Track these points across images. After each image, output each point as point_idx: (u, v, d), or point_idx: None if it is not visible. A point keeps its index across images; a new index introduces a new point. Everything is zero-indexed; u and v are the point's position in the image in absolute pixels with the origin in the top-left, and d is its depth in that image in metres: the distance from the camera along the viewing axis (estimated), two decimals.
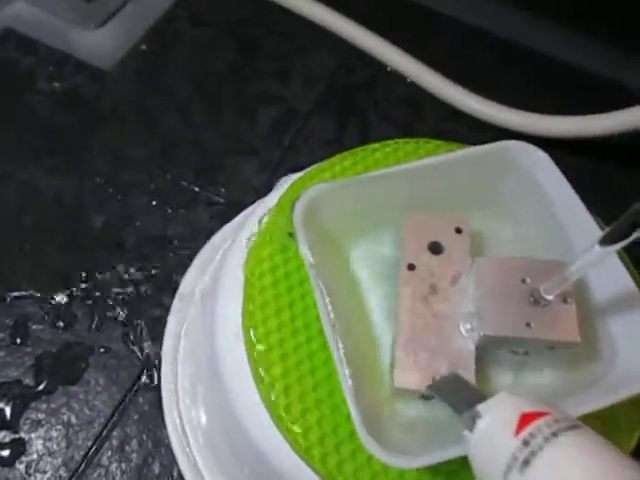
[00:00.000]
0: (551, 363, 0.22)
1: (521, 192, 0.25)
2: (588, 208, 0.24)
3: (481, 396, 0.17)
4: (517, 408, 0.15)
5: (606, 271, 0.23)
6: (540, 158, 0.25)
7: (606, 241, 0.18)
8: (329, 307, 0.21)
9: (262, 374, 0.23)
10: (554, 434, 0.14)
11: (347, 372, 0.20)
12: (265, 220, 0.26)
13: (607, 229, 0.18)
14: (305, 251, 0.22)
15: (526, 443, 0.14)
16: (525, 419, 0.15)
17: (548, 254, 0.23)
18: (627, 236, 0.17)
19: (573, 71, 0.50)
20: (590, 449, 0.14)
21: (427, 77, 0.48)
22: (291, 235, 0.24)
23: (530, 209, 0.25)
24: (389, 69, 0.50)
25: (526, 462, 0.14)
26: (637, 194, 0.43)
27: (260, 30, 0.51)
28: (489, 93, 0.46)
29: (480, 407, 0.16)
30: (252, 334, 0.23)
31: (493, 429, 0.16)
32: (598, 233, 0.23)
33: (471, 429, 0.16)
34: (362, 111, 0.47)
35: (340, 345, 0.20)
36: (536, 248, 0.24)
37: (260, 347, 0.23)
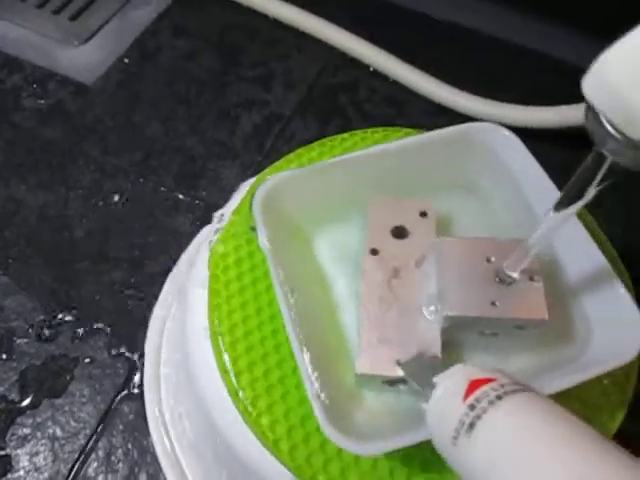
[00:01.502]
0: (523, 345, 0.21)
1: (489, 172, 0.24)
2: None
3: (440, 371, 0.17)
4: (467, 376, 0.15)
5: (579, 252, 0.22)
6: (506, 137, 0.24)
7: (560, 206, 0.17)
8: (288, 295, 0.20)
9: (228, 367, 0.22)
10: (499, 397, 0.14)
11: (306, 359, 0.19)
12: (230, 214, 0.25)
13: (560, 194, 0.17)
14: (263, 239, 0.22)
15: (472, 407, 0.14)
16: (473, 385, 0.15)
17: (517, 233, 0.22)
18: (579, 198, 0.16)
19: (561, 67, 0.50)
20: (534, 410, 0.14)
21: (409, 75, 0.47)
22: (253, 229, 0.23)
23: (498, 189, 0.24)
24: (372, 69, 0.49)
25: (471, 425, 0.14)
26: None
27: (242, 38, 0.52)
28: (472, 89, 0.46)
29: (435, 379, 0.16)
30: (217, 328, 0.23)
31: (445, 398, 0.16)
32: None
33: (428, 401, 0.16)
34: (344, 111, 0.47)
35: (297, 333, 0.20)
36: (505, 228, 0.24)
37: (225, 340, 0.22)
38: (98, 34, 0.53)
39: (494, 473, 0.13)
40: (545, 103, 0.43)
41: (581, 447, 0.12)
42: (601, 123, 0.13)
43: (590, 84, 0.13)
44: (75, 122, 0.46)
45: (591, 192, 0.16)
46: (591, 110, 0.13)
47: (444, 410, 0.15)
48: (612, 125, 0.13)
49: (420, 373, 0.18)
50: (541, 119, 0.42)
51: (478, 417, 0.14)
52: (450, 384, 0.16)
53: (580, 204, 0.17)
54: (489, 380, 0.15)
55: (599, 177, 0.15)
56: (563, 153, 0.43)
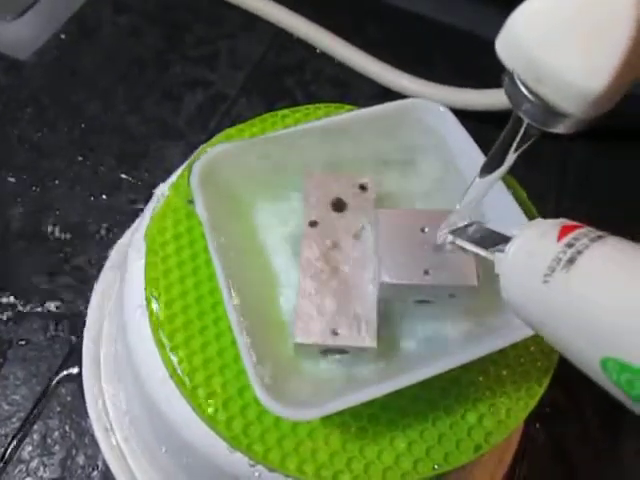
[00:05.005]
0: (457, 314, 0.22)
1: (425, 147, 0.25)
2: None
3: (505, 236, 0.17)
4: (557, 223, 0.15)
5: (510, 225, 0.23)
6: (441, 113, 0.25)
7: (484, 172, 0.18)
8: (225, 264, 0.20)
9: (165, 342, 0.22)
10: (600, 237, 0.14)
11: (244, 329, 0.19)
12: (168, 189, 0.25)
13: (484, 160, 0.18)
14: (200, 208, 0.21)
15: (570, 245, 0.14)
16: (566, 229, 0.14)
17: (452, 204, 0.23)
18: (502, 163, 0.17)
19: None
20: (633, 249, 0.13)
21: (355, 57, 0.48)
22: (191, 202, 0.23)
23: (435, 163, 0.25)
24: (318, 51, 0.49)
25: (571, 260, 0.13)
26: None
27: (186, 16, 0.51)
28: (417, 72, 0.46)
29: (515, 230, 0.16)
30: (154, 302, 0.22)
31: (533, 241, 0.15)
32: (499, 183, 0.23)
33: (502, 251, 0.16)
34: (291, 92, 0.47)
35: (235, 303, 0.20)
36: (443, 200, 0.24)
37: (162, 314, 0.22)
38: (33, 8, 0.50)
39: (594, 306, 0.13)
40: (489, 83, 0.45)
41: None
42: (515, 84, 0.14)
43: (502, 43, 0.13)
44: (9, 99, 0.44)
45: (511, 157, 0.16)
46: (507, 72, 0.14)
47: (533, 250, 0.15)
48: (525, 85, 0.14)
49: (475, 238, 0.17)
50: (483, 102, 0.43)
51: (579, 252, 0.13)
52: (538, 229, 0.15)
53: (503, 169, 0.17)
54: (582, 226, 0.14)
55: (517, 140, 0.16)
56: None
